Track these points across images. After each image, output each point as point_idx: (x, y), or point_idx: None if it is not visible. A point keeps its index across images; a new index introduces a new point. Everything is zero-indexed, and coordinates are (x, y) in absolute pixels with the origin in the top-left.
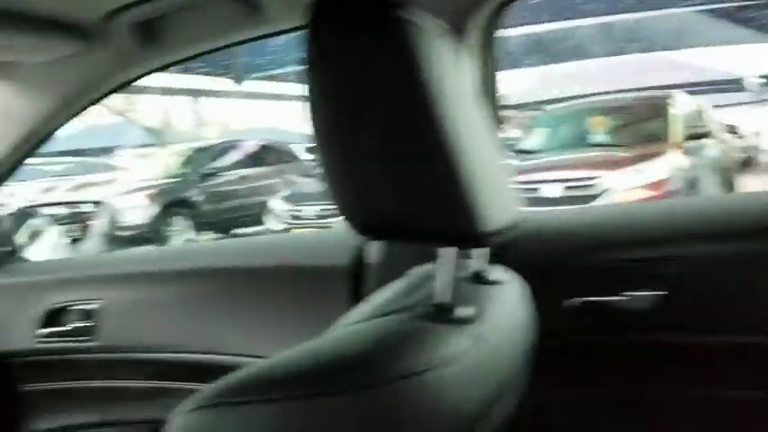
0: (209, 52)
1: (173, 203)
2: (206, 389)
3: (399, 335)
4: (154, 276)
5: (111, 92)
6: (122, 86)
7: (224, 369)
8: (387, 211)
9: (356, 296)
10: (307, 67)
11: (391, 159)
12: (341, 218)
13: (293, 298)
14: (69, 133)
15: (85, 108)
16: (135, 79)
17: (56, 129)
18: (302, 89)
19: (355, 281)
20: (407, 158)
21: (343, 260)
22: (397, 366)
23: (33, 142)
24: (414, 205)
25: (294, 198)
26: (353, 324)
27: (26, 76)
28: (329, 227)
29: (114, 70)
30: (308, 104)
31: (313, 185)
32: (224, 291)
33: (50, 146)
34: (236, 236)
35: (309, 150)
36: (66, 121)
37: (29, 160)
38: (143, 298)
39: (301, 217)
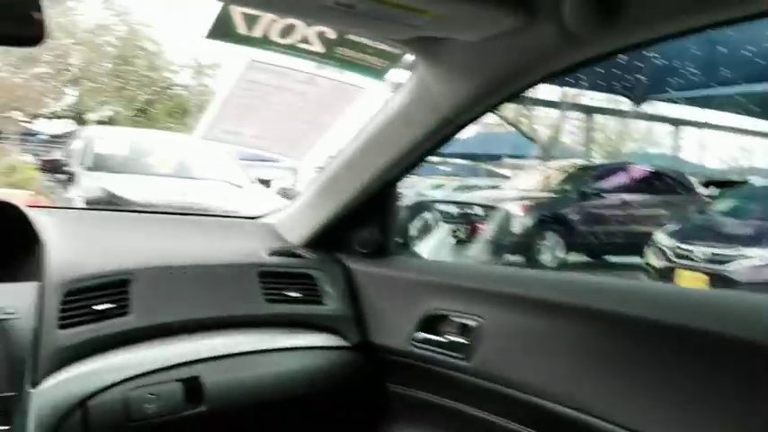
0: (668, 38)
1: (547, 218)
2: None
3: None
4: (544, 305)
5: (538, 81)
6: (555, 75)
7: None
8: None
9: None
10: None
11: None
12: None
13: (718, 374)
14: (463, 137)
15: (510, 98)
16: (570, 68)
17: (472, 119)
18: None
19: None
20: None
21: None
22: None
23: (446, 131)
24: None
25: (682, 234)
26: None
27: (452, 57)
28: (721, 274)
29: (554, 53)
30: None
31: (709, 224)
32: (631, 344)
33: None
34: (608, 263)
35: (705, 185)
36: (485, 111)
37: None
38: (529, 327)
39: (690, 257)
